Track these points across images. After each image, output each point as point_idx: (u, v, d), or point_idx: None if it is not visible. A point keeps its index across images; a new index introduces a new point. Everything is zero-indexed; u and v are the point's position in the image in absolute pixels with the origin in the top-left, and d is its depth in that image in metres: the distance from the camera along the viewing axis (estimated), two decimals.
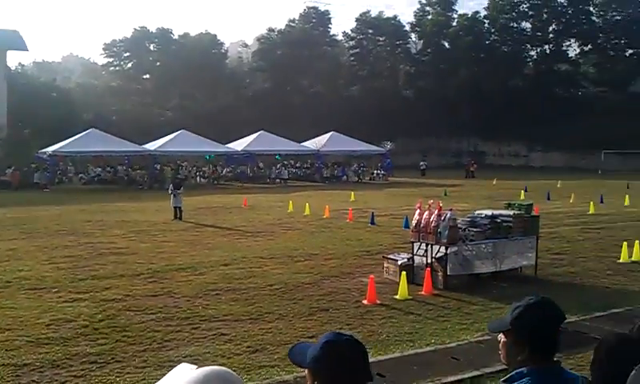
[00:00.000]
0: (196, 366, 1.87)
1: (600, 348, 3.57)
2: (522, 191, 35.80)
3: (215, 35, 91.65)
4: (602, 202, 30.93)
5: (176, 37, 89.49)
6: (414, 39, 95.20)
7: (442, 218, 12.70)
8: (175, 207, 25.02)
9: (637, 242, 16.33)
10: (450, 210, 13.25)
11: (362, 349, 2.34)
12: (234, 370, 7.18)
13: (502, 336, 2.89)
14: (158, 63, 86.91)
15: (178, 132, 51.08)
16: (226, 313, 10.75)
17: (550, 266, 15.11)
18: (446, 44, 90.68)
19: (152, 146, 49.60)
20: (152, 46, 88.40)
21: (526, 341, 2.80)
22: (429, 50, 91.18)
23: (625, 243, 16.39)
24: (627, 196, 32.73)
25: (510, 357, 2.86)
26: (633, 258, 15.78)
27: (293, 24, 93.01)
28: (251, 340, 9.30)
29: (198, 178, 50.14)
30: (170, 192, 25.63)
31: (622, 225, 22.96)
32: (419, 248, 13.21)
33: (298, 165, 57.61)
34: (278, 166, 53.57)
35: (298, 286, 12.76)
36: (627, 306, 11.29)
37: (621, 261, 15.70)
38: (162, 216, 25.39)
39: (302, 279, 13.44)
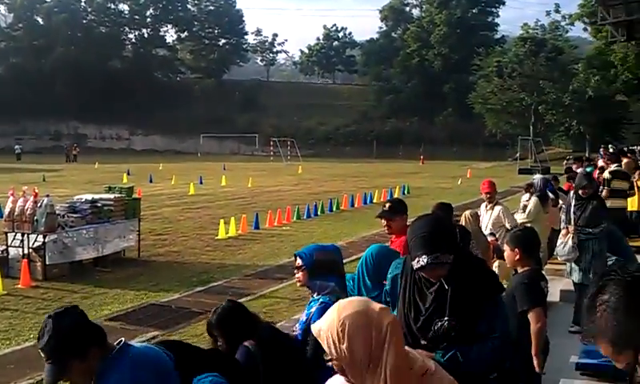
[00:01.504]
0: None
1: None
2: (125, 174, 35.76)
3: None
4: (201, 182, 32.77)
5: None
6: (3, 12, 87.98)
7: (39, 205, 11.95)
8: None
9: (232, 218, 17.71)
10: (47, 196, 12.53)
11: None
12: None
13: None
14: None
15: None
16: None
17: (153, 246, 15.37)
18: (40, 20, 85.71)
19: None
20: None
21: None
22: (20, 25, 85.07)
23: (222, 221, 17.61)
24: (224, 176, 35.32)
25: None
26: (229, 234, 16.99)
27: None
28: None
29: None
30: None
31: (219, 204, 24.59)
32: (14, 238, 12.25)
33: None
34: None
35: None
36: (225, 279, 12.11)
37: (219, 237, 16.74)
38: None
39: None
